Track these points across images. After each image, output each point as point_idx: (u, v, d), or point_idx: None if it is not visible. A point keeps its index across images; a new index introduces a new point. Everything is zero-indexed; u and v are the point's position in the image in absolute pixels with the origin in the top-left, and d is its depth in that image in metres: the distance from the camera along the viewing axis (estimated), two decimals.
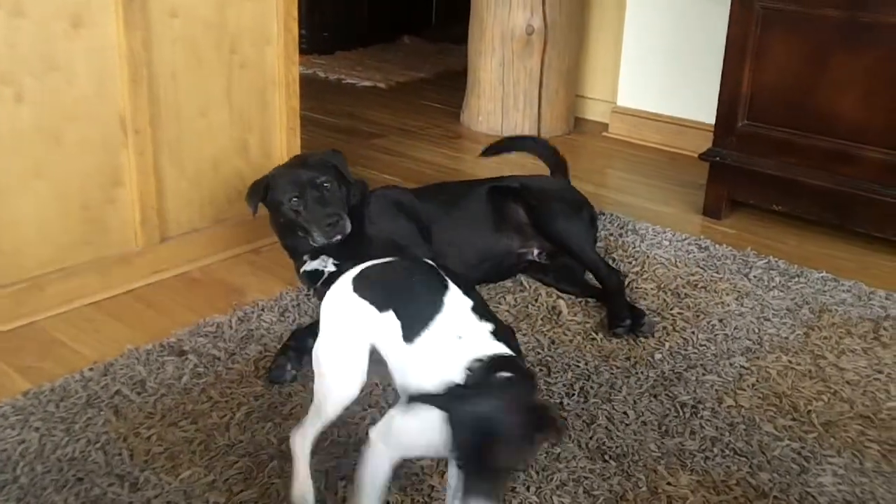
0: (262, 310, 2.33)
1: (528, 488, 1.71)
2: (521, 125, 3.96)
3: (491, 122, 4.00)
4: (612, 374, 2.10)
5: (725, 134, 2.96)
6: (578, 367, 2.12)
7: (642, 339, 2.23)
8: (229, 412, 1.90)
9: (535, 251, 2.51)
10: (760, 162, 2.90)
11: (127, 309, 2.37)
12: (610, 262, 2.54)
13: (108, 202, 2.38)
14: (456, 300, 1.57)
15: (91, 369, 2.04)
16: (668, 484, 1.73)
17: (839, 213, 2.80)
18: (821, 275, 2.60)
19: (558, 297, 2.44)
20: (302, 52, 2.91)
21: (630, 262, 2.66)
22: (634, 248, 2.76)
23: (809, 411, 1.97)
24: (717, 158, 2.99)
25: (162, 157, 2.46)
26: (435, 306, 1.55)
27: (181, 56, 2.43)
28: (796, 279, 2.58)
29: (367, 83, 4.86)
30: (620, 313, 2.28)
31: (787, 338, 2.27)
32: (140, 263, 2.47)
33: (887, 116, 2.64)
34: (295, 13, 2.66)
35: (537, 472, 1.74)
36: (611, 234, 2.86)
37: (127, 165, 2.38)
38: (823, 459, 1.81)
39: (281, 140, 2.74)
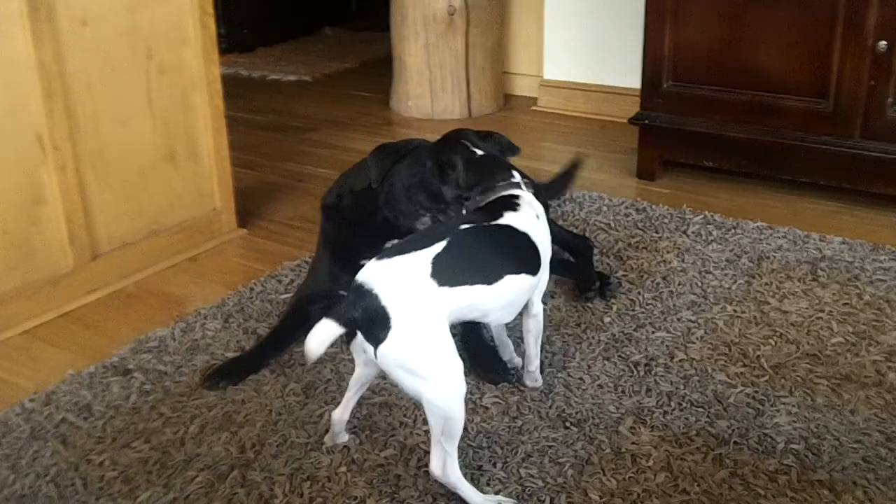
0: (206, 318, 2.28)
1: (494, 464, 1.70)
2: (452, 107, 3.95)
3: (420, 106, 3.98)
4: (565, 341, 2.10)
5: (652, 96, 2.99)
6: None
7: (589, 305, 2.24)
8: (182, 426, 1.85)
9: None
10: (688, 121, 2.94)
11: (63, 333, 2.30)
12: None
13: (30, 223, 2.30)
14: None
15: (32, 400, 1.96)
16: (632, 443, 1.74)
17: (767, 163, 2.85)
18: (756, 224, 2.65)
19: None
20: (222, 51, 2.86)
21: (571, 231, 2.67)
22: (574, 216, 2.77)
23: (759, 356, 2.00)
24: (646, 121, 3.02)
25: (85, 172, 2.39)
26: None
27: (95, 65, 2.36)
28: (733, 231, 2.61)
29: (291, 77, 4.80)
30: (590, 277, 2.29)
31: (729, 288, 2.30)
32: (72, 284, 2.40)
33: (805, 66, 2.69)
34: (211, 10, 2.60)
35: (501, 448, 1.74)
36: (547, 206, 2.86)
37: (48, 183, 2.31)
38: (777, 400, 1.84)
39: (208, 142, 2.68)
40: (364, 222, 2.11)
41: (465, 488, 1.58)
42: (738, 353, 2.02)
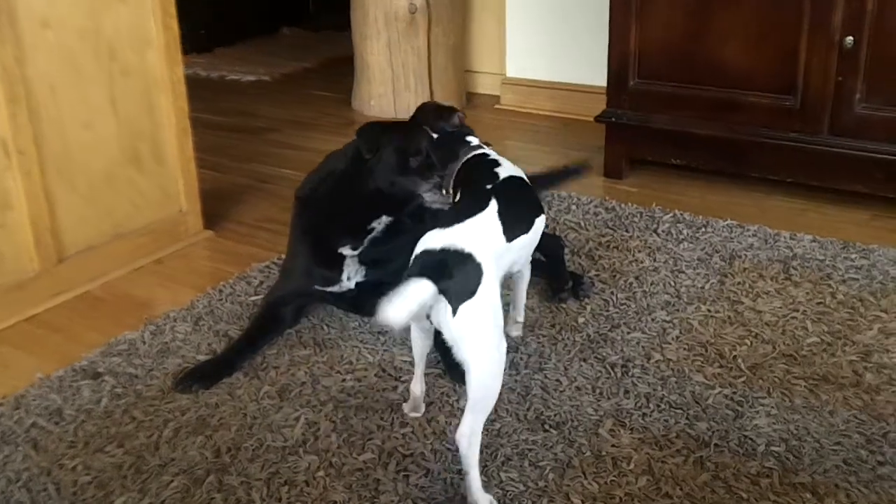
0: (175, 321, 2.24)
1: None
2: (414, 105, 3.90)
3: (383, 105, 3.95)
4: (540, 342, 2.09)
5: (618, 94, 2.99)
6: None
7: (563, 306, 2.24)
8: (156, 430, 1.82)
9: None
10: (655, 118, 2.95)
11: (29, 337, 2.25)
12: None
13: None
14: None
15: (0, 404, 1.92)
16: (612, 446, 1.74)
17: (735, 160, 2.87)
18: (726, 223, 2.66)
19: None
20: None
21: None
22: None
23: (735, 357, 2.01)
24: (613, 119, 3.02)
25: (50, 176, 2.33)
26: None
27: (58, 68, 2.31)
28: (703, 229, 2.63)
29: (251, 78, 4.74)
30: (563, 277, 2.29)
31: (702, 287, 2.31)
32: (38, 288, 2.34)
33: (772, 62, 2.70)
34: (173, 11, 2.56)
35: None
36: None
37: (14, 188, 2.25)
38: (755, 402, 1.85)
39: (173, 144, 2.63)
40: (345, 206, 2.08)
41: (476, 470, 1.56)
42: (714, 354, 2.02)
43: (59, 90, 2.32)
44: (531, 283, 2.30)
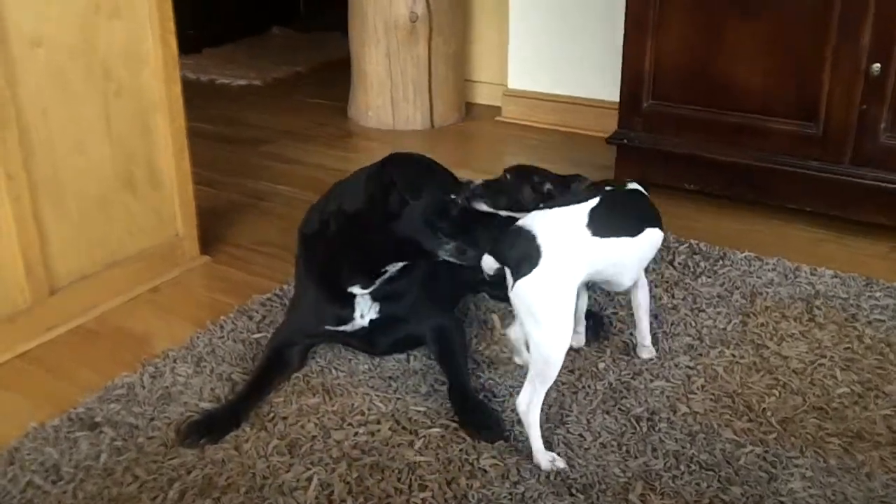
0: (175, 361, 2.13)
1: None
2: (413, 117, 3.82)
3: (381, 116, 3.85)
4: (559, 391, 2.00)
5: (631, 115, 2.90)
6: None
7: (584, 348, 2.15)
8: (160, 492, 1.71)
9: None
10: (669, 141, 2.86)
11: (20, 376, 2.13)
12: None
13: None
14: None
15: None
16: None
17: (752, 187, 2.79)
18: (744, 255, 2.58)
19: (488, 309, 2.33)
20: None
21: None
22: None
23: (764, 409, 1.93)
24: (625, 141, 2.93)
25: (41, 202, 2.21)
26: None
27: (50, 89, 2.18)
28: (721, 262, 2.54)
29: (241, 82, 4.62)
30: (580, 317, 2.17)
31: (725, 329, 2.23)
32: (29, 322, 2.23)
33: (791, 87, 2.63)
34: (172, 27, 2.43)
35: None
36: None
37: (2, 215, 2.13)
38: (789, 462, 1.77)
39: (169, 166, 2.52)
40: (359, 250, 1.96)
41: (536, 432, 1.75)
42: (742, 406, 1.94)
43: (51, 112, 2.20)
44: None
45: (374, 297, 2.04)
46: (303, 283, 2.11)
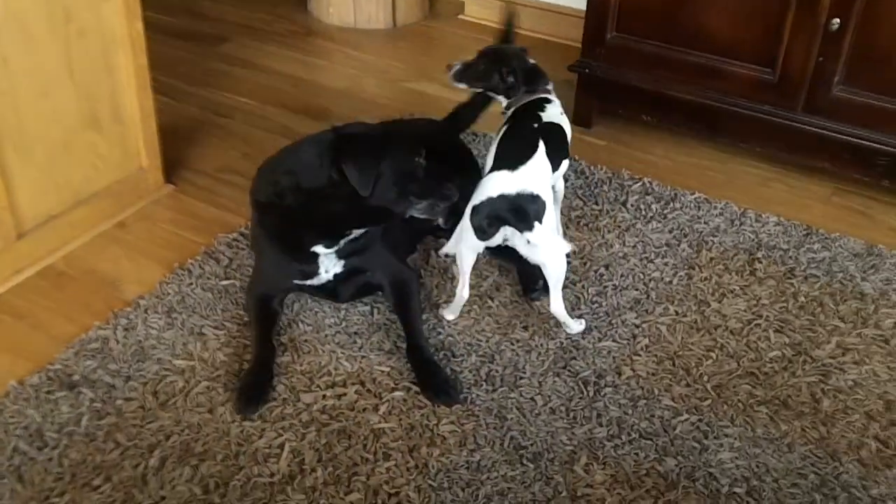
0: (146, 311, 2.21)
1: None
2: (375, 15, 3.76)
3: (342, 13, 3.78)
4: (514, 351, 2.14)
5: (594, 46, 2.91)
6: (480, 346, 2.14)
7: (537, 304, 2.27)
8: (141, 459, 1.84)
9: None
10: (630, 75, 2.89)
11: None
12: None
13: None
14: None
15: None
16: (587, 485, 1.82)
17: (707, 125, 2.86)
18: (693, 197, 2.68)
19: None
20: None
21: None
22: None
23: (701, 374, 2.08)
24: (586, 70, 2.95)
25: (6, 151, 2.21)
26: None
27: (10, 37, 2.14)
28: (671, 205, 2.65)
29: None
30: (535, 274, 2.25)
31: (671, 283, 2.36)
32: None
33: (755, 34, 2.64)
34: None
35: (462, 489, 1.80)
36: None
37: None
38: (720, 432, 1.94)
39: (132, 102, 2.50)
40: (320, 219, 2.02)
41: (566, 317, 2.15)
42: (681, 369, 2.09)
43: (13, 60, 2.17)
44: (504, 279, 2.33)
45: (339, 255, 2.12)
46: (266, 248, 2.17)
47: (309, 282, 2.16)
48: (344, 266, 2.14)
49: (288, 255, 2.12)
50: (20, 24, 2.17)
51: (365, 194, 1.89)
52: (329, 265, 2.13)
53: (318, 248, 2.08)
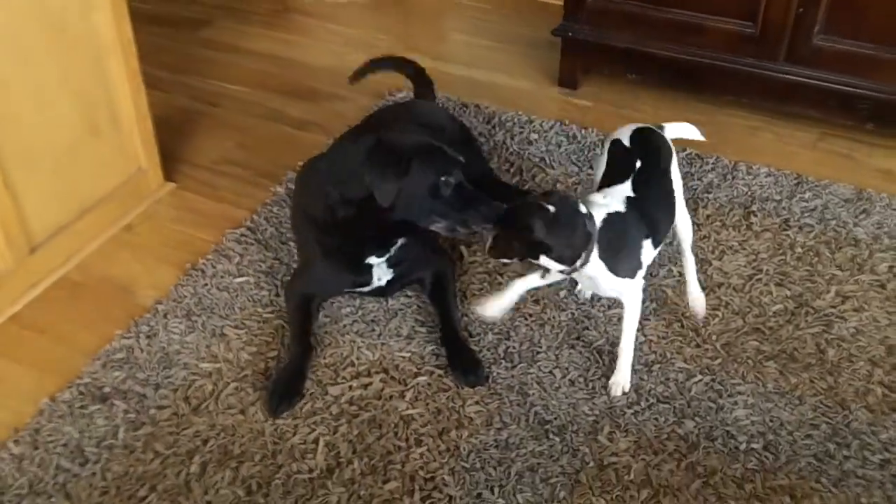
0: (166, 317, 2.26)
1: (491, 490, 1.84)
2: None
3: None
4: (528, 326, 2.20)
5: (576, 9, 2.93)
6: (495, 323, 2.20)
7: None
8: (183, 467, 1.90)
9: None
10: (613, 35, 2.92)
11: (16, 342, 2.23)
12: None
13: None
14: None
15: (16, 442, 1.95)
16: (612, 453, 1.90)
17: (691, 80, 2.91)
18: (685, 153, 2.74)
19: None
20: None
21: (508, 169, 2.71)
22: (508, 149, 2.79)
23: (710, 334, 2.16)
24: (570, 34, 2.98)
25: (10, 166, 2.22)
26: None
27: (7, 55, 2.14)
28: None
29: None
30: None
31: (671, 244, 2.40)
32: (14, 283, 2.31)
33: None
34: None
35: (494, 468, 1.88)
36: (481, 134, 2.86)
37: None
38: (733, 389, 2.03)
39: (127, 105, 2.52)
40: (370, 232, 2.08)
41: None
42: (690, 331, 2.17)
43: (11, 80, 2.18)
44: None
45: (389, 263, 2.18)
46: (317, 255, 2.19)
47: (360, 289, 2.23)
48: (394, 273, 2.20)
49: (343, 265, 2.18)
50: (15, 41, 2.17)
51: (385, 206, 1.93)
52: (381, 273, 2.19)
53: (372, 259, 2.14)
